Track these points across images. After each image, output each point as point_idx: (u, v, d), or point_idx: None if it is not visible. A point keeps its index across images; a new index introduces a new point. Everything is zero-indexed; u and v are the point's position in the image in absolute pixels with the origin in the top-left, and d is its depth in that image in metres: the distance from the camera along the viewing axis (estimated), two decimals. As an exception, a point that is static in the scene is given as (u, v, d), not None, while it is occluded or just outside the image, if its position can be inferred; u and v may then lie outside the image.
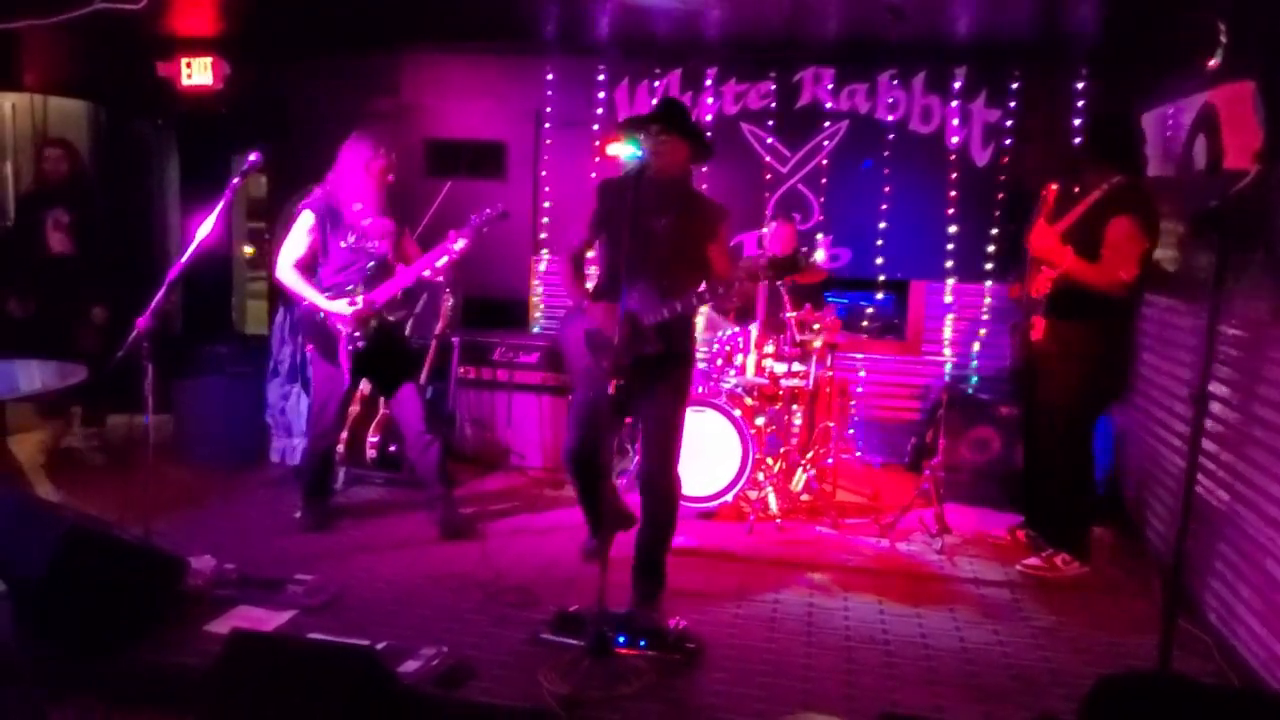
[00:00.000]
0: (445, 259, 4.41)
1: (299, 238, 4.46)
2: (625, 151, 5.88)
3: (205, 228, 3.76)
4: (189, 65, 6.65)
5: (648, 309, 3.65)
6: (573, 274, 3.91)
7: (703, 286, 3.76)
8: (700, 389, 5.26)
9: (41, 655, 3.25)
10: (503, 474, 5.79)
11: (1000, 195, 6.04)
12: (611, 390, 3.45)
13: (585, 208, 3.94)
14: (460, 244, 4.39)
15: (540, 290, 6.74)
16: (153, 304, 3.70)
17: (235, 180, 3.94)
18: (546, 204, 6.64)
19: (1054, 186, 4.40)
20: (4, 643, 3.35)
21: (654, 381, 3.74)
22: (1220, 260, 2.86)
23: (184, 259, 3.76)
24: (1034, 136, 5.96)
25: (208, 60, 6.63)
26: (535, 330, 6.66)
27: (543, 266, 6.70)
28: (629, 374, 3.61)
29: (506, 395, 5.87)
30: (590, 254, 4.00)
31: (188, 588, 3.72)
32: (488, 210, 4.45)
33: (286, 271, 4.48)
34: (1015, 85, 5.99)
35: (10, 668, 3.25)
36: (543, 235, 6.67)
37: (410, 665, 3.22)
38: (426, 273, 4.46)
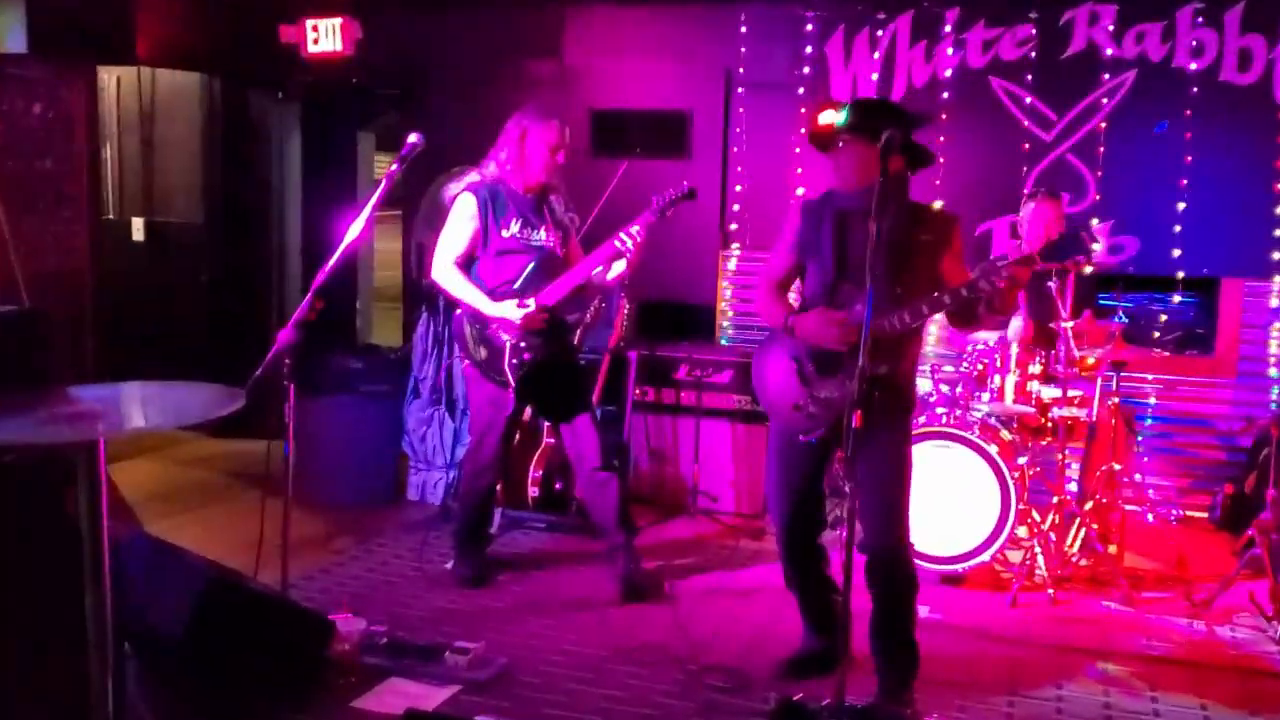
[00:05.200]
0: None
1: (459, 228, 4.56)
2: (839, 119, 5.90)
3: (355, 228, 3.89)
4: (315, 29, 7.00)
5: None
6: (773, 299, 3.86)
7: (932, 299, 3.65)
8: (945, 418, 5.13)
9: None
10: (688, 519, 5.82)
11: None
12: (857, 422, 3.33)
13: (783, 203, 3.88)
14: (636, 230, 4.39)
15: (729, 293, 6.73)
16: (296, 314, 3.85)
17: (393, 168, 4.07)
18: (738, 187, 6.63)
19: None
20: (130, 704, 3.53)
21: (873, 427, 3.39)
22: None
23: (331, 263, 3.89)
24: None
25: (337, 22, 6.96)
26: (725, 342, 6.65)
27: (732, 264, 6.70)
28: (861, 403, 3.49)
29: (693, 422, 5.89)
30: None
31: (334, 653, 3.84)
32: (670, 191, 4.42)
33: (446, 270, 4.56)
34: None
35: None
36: (733, 226, 6.66)
37: (602, 762, 3.23)
38: (599, 269, 4.48)
